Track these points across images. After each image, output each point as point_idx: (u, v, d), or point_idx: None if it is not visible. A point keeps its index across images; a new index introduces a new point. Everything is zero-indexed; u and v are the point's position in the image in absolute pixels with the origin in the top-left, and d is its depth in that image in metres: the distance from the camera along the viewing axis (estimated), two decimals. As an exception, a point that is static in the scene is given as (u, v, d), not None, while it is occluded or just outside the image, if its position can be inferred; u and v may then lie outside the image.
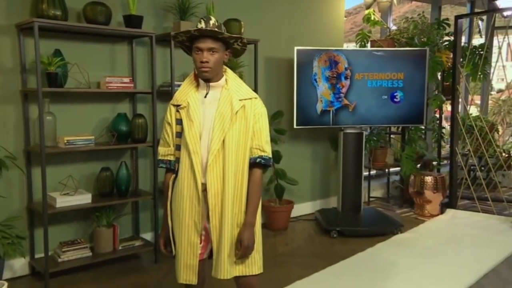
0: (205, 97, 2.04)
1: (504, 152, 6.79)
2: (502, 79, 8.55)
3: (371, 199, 5.92)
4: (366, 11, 5.59)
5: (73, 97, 3.65)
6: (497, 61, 5.89)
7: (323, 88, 4.77)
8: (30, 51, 3.35)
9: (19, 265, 3.50)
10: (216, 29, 1.93)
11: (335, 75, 4.77)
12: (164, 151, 2.12)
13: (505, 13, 5.49)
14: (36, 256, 3.55)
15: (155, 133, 3.74)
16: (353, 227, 4.60)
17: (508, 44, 5.92)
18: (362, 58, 4.85)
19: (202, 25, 1.94)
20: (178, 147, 2.07)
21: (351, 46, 6.44)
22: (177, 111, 2.06)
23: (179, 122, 2.05)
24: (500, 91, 8.38)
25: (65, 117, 3.59)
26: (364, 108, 4.85)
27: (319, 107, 4.80)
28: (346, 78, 4.80)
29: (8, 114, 3.40)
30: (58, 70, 3.34)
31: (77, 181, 3.67)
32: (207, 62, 1.95)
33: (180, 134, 2.05)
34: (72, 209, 3.45)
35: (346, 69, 4.79)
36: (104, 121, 3.80)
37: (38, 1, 3.24)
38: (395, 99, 4.90)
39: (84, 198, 3.48)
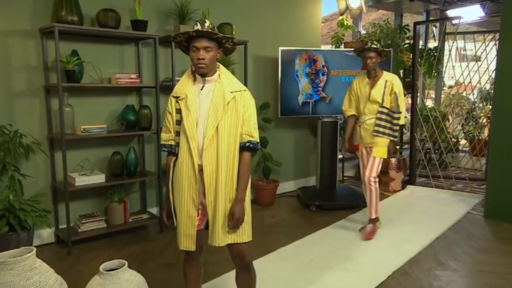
0: (201, 89, 1.97)
1: (453, 137, 6.82)
2: (452, 77, 8.58)
3: (344, 178, 5.91)
4: (340, 18, 5.54)
5: (88, 91, 3.59)
6: (448, 61, 5.89)
7: (303, 83, 4.72)
8: (51, 51, 3.29)
9: (46, 234, 3.49)
10: (210, 30, 1.87)
11: (314, 72, 4.72)
12: (166, 137, 2.06)
13: (453, 21, 5.50)
14: (60, 226, 3.53)
15: (158, 122, 3.69)
16: (329, 201, 4.59)
17: (457, 48, 5.91)
18: (337, 57, 4.80)
19: (198, 27, 1.88)
20: (178, 133, 2.01)
21: (328, 47, 6.37)
22: (177, 102, 2.00)
23: (179, 111, 1.99)
24: (450, 87, 8.38)
25: (81, 108, 3.54)
26: (339, 100, 4.80)
27: (300, 99, 4.75)
28: (323, 74, 4.75)
29: (34, 106, 3.34)
30: (75, 68, 3.32)
31: (93, 163, 3.63)
32: (203, 59, 1.89)
33: (179, 122, 1.99)
34: (89, 187, 3.42)
35: (323, 66, 4.74)
36: (115, 111, 3.73)
37: (58, 8, 3.20)
38: (364, 93, 4.85)
39: (99, 178, 3.44)
